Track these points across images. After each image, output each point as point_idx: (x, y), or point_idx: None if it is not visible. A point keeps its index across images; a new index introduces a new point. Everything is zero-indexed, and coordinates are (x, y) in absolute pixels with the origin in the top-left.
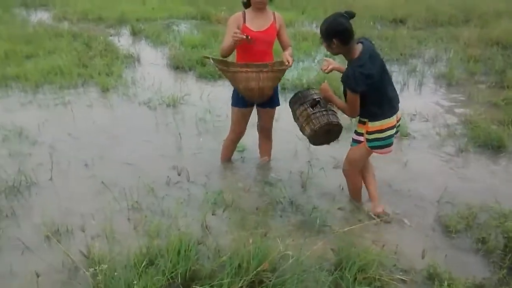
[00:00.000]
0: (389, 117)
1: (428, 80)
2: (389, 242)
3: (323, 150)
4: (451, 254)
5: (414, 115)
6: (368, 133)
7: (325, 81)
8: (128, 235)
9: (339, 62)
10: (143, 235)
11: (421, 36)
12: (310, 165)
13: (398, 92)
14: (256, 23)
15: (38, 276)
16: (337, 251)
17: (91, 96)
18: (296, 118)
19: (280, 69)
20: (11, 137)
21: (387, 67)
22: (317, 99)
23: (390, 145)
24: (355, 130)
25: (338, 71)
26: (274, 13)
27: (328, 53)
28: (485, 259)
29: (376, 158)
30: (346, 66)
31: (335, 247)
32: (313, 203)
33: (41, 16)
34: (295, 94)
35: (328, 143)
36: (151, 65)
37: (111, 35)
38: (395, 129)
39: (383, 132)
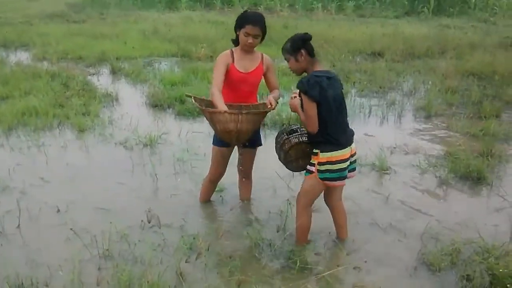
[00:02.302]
0: (342, 149)
1: (408, 112)
2: (371, 285)
3: None
4: None
5: (394, 148)
6: (319, 163)
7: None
8: (98, 287)
9: None
10: (113, 286)
11: (399, 69)
12: (289, 203)
13: (377, 125)
14: (243, 64)
15: None
16: None
17: (66, 137)
18: (276, 150)
19: (260, 112)
20: None
21: (367, 99)
22: (294, 128)
23: (343, 178)
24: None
25: None
26: (262, 54)
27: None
28: None
29: (357, 193)
30: None
31: None
32: (292, 244)
33: (21, 56)
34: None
35: (306, 169)
36: (129, 103)
37: (90, 74)
38: (348, 163)
39: (334, 164)
